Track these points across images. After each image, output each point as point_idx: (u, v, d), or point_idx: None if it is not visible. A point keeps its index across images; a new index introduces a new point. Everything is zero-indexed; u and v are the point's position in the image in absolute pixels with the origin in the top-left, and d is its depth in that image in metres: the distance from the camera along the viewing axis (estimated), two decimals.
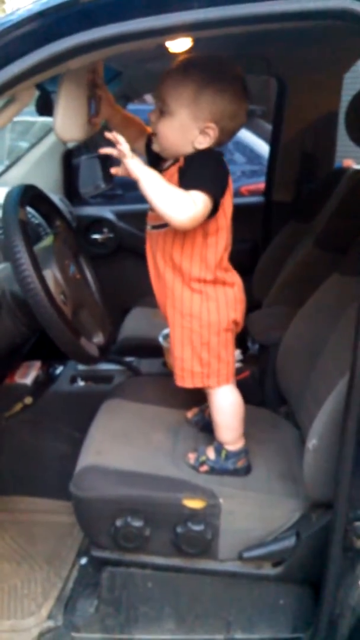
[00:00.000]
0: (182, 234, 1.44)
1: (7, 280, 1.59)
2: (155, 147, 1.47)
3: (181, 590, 1.52)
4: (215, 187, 1.38)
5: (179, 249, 1.46)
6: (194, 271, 1.47)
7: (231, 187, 1.46)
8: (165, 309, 1.54)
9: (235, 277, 1.54)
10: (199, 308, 1.48)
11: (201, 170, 1.40)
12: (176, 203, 1.34)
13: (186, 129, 1.40)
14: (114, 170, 1.39)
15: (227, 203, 1.45)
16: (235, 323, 1.54)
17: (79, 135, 1.39)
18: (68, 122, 1.34)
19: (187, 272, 1.47)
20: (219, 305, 1.49)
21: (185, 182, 1.38)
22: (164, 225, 1.45)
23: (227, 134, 1.44)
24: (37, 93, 1.82)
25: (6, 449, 2.02)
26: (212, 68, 1.39)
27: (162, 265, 1.50)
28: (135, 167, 1.33)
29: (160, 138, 1.43)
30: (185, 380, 1.54)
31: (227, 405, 1.56)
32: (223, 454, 1.54)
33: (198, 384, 1.54)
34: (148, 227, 1.52)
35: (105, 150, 1.35)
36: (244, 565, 1.48)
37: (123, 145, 1.31)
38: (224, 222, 1.46)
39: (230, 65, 1.43)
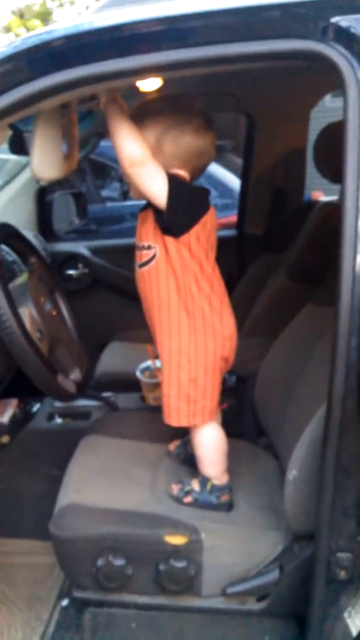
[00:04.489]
0: (168, 270, 1.43)
1: None
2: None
3: (165, 630, 1.49)
4: (179, 185, 1.38)
5: (164, 284, 1.45)
6: (182, 306, 1.46)
7: (208, 223, 1.48)
8: (157, 345, 1.53)
9: (226, 315, 1.52)
10: (187, 344, 1.47)
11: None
12: (133, 142, 1.33)
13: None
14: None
15: (202, 233, 1.46)
16: (225, 360, 1.53)
17: (56, 174, 1.40)
18: (45, 161, 1.35)
19: (174, 307, 1.46)
20: (206, 341, 1.48)
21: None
22: (148, 262, 1.46)
23: (197, 171, 1.46)
24: (10, 132, 1.84)
25: None
26: (168, 111, 1.40)
27: (150, 303, 1.50)
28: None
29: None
30: (172, 418, 1.52)
31: (209, 440, 1.55)
32: (208, 486, 1.54)
33: (184, 422, 1.52)
34: (137, 266, 1.51)
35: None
36: (228, 601, 1.46)
37: None
38: (197, 250, 1.44)
39: (186, 102, 1.43)
